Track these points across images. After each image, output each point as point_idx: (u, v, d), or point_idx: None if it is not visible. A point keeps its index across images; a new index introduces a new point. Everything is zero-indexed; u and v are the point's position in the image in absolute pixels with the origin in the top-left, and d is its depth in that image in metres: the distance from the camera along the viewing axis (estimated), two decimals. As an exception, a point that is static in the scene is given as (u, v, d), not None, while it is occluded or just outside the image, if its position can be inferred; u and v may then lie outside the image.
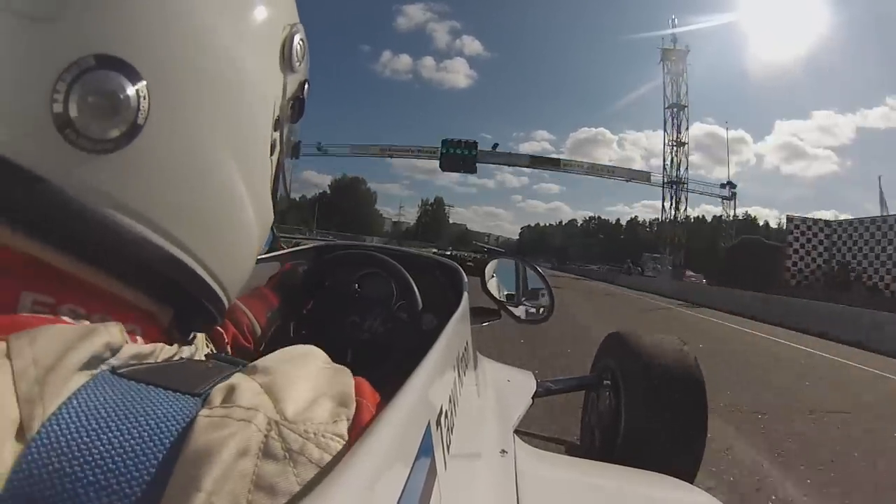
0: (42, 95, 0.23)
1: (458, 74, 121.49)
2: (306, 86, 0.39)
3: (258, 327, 0.77)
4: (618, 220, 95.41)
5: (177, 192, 0.27)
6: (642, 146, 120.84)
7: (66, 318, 0.24)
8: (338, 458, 0.21)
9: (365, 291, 1.03)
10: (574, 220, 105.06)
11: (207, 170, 0.28)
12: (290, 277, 0.93)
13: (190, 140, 0.27)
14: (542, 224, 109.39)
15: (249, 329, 0.75)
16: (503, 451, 0.70)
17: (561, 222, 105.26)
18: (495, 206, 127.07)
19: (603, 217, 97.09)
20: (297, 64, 0.36)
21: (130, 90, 0.24)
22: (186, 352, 0.31)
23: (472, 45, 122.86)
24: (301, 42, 0.36)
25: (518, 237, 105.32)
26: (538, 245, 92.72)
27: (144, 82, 0.24)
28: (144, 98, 0.24)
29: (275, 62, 0.34)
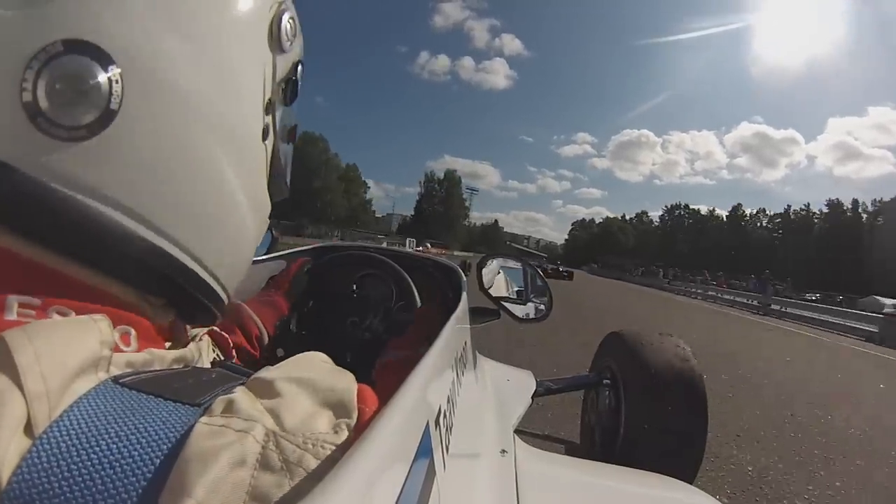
0: (11, 84, 0.22)
1: (498, 75, 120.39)
2: (300, 67, 0.38)
3: (266, 336, 0.74)
4: (712, 210, 71.62)
5: (159, 180, 0.26)
6: (687, 148, 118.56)
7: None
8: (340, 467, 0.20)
9: (365, 292, 1.03)
10: (645, 213, 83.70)
11: (192, 156, 0.27)
12: (298, 282, 0.92)
13: (171, 125, 0.26)
14: (597, 219, 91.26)
15: (258, 338, 0.73)
16: (503, 451, 0.70)
17: (628, 218, 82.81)
18: (536, 212, 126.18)
19: (692, 207, 73.58)
20: (288, 44, 0.35)
21: (101, 75, 0.23)
22: (189, 355, 0.31)
23: (511, 43, 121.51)
24: (291, 21, 0.35)
25: (566, 240, 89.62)
26: (594, 248, 72.83)
27: (116, 65, 0.24)
28: (117, 82, 0.24)
29: (262, 42, 0.32)
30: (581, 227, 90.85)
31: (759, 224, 65.16)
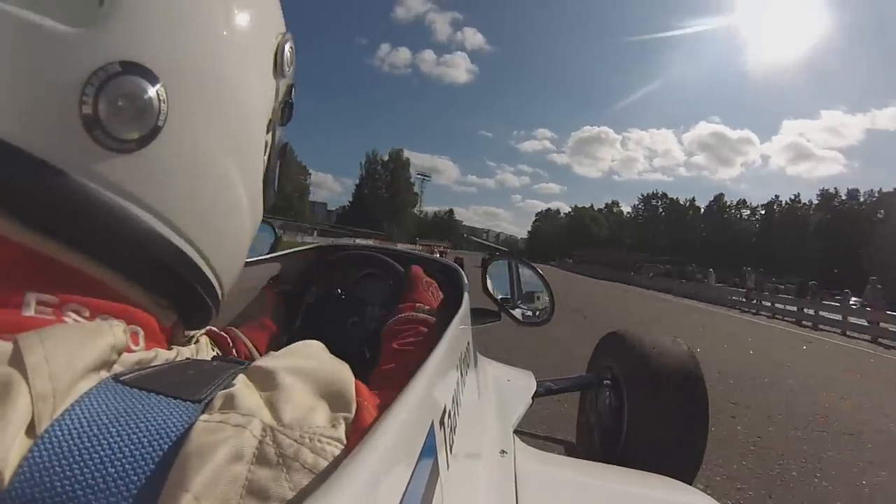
0: (71, 98, 0.24)
1: (459, 69, 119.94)
2: (293, 90, 0.41)
3: (258, 358, 0.73)
4: (692, 200, 64.37)
5: (185, 189, 0.29)
6: (646, 146, 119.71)
7: (69, 318, 0.24)
8: (336, 461, 0.21)
9: (365, 292, 1.03)
10: (616, 203, 75.64)
11: (211, 168, 0.30)
12: (285, 299, 0.93)
13: (198, 141, 0.29)
14: (563, 212, 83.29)
15: (248, 359, 0.72)
16: (503, 452, 0.70)
17: (596, 208, 74.53)
18: (495, 206, 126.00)
19: (671, 195, 66.34)
20: (287, 70, 0.38)
21: (153, 94, 0.26)
22: (187, 354, 0.32)
23: (473, 37, 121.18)
24: (290, 49, 0.38)
25: (529, 232, 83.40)
26: (562, 241, 66.62)
27: (163, 87, 0.26)
28: (164, 102, 0.26)
29: (269, 69, 0.36)
30: (545, 218, 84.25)
31: (740, 216, 61.00)
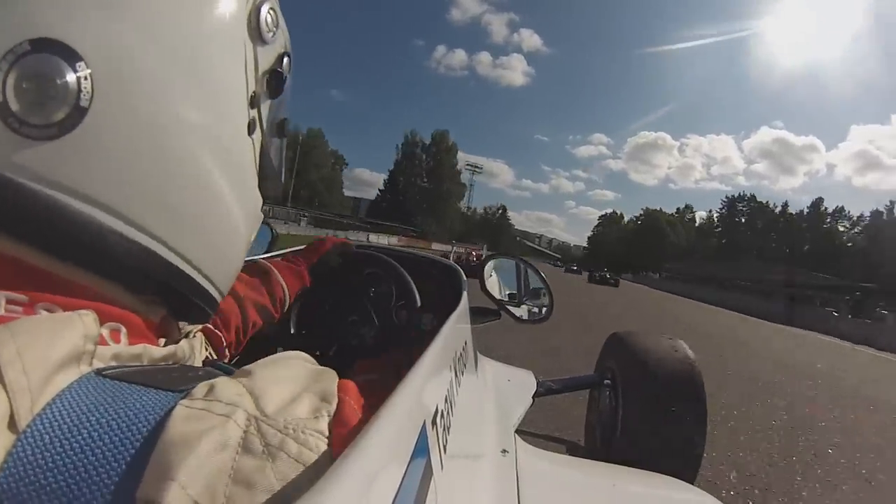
0: None
1: (516, 72, 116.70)
2: (286, 59, 0.38)
3: (288, 302, 0.77)
4: (784, 205, 53.41)
5: (135, 177, 0.26)
6: (704, 152, 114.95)
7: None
8: (320, 453, 0.21)
9: (365, 291, 1.03)
10: (689, 208, 62.35)
11: (168, 151, 0.27)
12: (327, 261, 0.92)
13: (144, 120, 0.26)
14: (627, 217, 68.69)
15: (281, 301, 0.76)
16: (504, 451, 0.70)
17: (670, 210, 60.80)
18: (548, 212, 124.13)
19: (759, 199, 53.94)
20: (270, 35, 0.35)
21: (69, 72, 0.23)
22: (180, 352, 0.31)
23: (530, 39, 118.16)
24: (271, 12, 0.34)
25: (590, 237, 71.64)
26: (632, 249, 55.11)
27: (84, 62, 0.23)
28: (86, 79, 0.24)
29: (240, 34, 0.32)
30: (609, 221, 72.00)
31: (840, 227, 50.02)
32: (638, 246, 57.70)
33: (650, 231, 58.75)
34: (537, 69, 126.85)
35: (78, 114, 0.23)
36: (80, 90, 0.23)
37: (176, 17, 0.27)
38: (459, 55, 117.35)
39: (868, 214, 48.33)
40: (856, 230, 48.56)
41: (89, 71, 0.24)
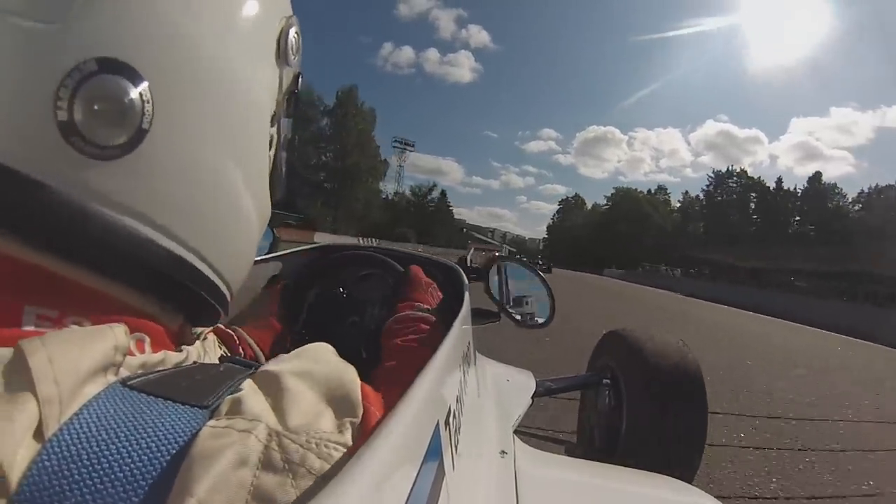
0: (44, 103, 0.22)
1: (463, 68, 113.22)
2: (300, 79, 0.38)
3: (262, 358, 0.73)
4: (779, 181, 46.75)
5: (180, 194, 0.27)
6: (652, 146, 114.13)
7: None
8: (340, 464, 0.20)
9: (365, 292, 1.03)
10: (663, 189, 54.29)
11: (208, 169, 0.28)
12: (287, 296, 0.92)
13: (191, 141, 0.27)
14: (594, 203, 59.99)
15: (253, 359, 0.72)
16: (503, 452, 0.70)
17: (642, 191, 53.21)
18: (500, 207, 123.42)
19: (750, 174, 47.32)
20: (293, 58, 0.35)
21: (135, 94, 0.24)
22: (195, 354, 0.31)
23: (478, 35, 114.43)
24: (296, 35, 0.35)
25: (549, 226, 65.75)
26: (607, 236, 46.27)
27: (147, 85, 0.24)
28: (148, 102, 0.24)
29: (270, 56, 0.33)
30: (570, 207, 61.73)
31: (839, 202, 44.43)
32: (611, 231, 48.21)
33: (626, 214, 48.74)
34: (485, 65, 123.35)
35: (139, 136, 0.24)
36: (143, 113, 0.24)
37: (217, 40, 0.28)
38: (407, 52, 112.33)
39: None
40: (857, 207, 43.63)
41: (151, 93, 0.24)
